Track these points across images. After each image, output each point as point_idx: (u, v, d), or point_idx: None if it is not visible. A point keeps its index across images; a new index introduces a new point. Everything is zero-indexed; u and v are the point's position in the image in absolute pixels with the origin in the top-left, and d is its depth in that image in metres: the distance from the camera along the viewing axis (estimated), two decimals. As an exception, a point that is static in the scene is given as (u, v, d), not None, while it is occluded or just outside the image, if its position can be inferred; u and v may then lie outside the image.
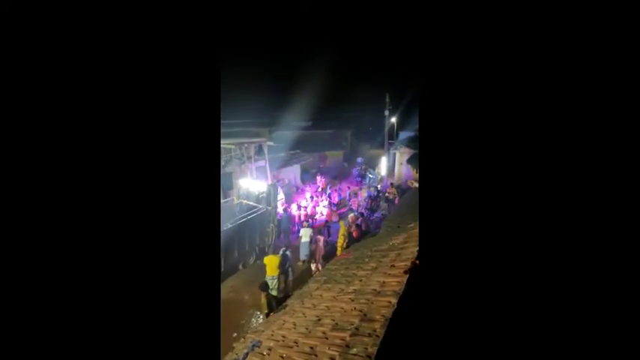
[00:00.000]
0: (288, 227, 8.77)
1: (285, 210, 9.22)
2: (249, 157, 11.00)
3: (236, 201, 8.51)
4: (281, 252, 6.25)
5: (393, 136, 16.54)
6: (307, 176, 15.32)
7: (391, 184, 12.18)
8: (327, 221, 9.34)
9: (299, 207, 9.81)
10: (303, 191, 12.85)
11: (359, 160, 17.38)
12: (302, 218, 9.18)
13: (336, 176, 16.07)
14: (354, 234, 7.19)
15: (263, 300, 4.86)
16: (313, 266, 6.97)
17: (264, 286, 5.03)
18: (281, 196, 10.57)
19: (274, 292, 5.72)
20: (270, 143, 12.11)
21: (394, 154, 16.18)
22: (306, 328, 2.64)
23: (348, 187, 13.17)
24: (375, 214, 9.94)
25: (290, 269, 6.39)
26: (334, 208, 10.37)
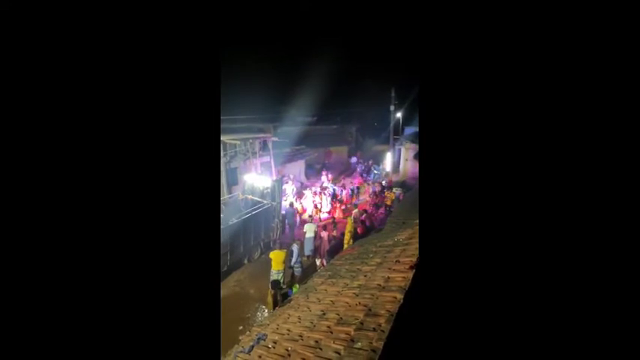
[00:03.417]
0: (293, 222, 8.81)
1: (290, 205, 9.27)
2: (254, 153, 11.02)
3: (241, 196, 8.56)
4: (292, 247, 6.30)
5: (398, 131, 16.40)
6: (312, 172, 15.32)
7: (389, 187, 11.64)
8: (333, 217, 9.35)
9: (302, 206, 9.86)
10: (307, 187, 12.87)
11: (353, 159, 17.16)
12: (304, 216, 9.21)
13: (341, 172, 16.04)
14: (359, 230, 7.21)
15: (269, 298, 4.88)
16: (318, 261, 7.00)
17: (275, 284, 5.04)
18: (290, 189, 10.59)
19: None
20: (275, 139, 12.10)
21: (399, 149, 16.07)
22: (311, 322, 2.66)
23: (351, 183, 13.12)
24: (380, 210, 9.92)
25: (298, 265, 6.40)
26: (340, 205, 10.36)
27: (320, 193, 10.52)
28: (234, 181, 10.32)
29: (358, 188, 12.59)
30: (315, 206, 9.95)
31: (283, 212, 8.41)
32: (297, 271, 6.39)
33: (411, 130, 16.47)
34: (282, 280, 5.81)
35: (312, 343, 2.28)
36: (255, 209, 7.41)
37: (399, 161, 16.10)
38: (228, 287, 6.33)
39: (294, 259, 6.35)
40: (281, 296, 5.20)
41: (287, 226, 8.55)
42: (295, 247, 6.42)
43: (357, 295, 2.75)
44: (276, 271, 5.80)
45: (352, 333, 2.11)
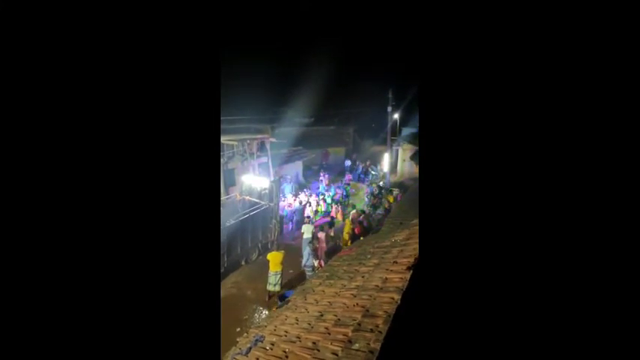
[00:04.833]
0: (301, 218, 8.86)
1: (300, 202, 9.33)
2: (252, 154, 11.00)
3: (238, 197, 8.54)
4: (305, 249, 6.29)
5: (395, 132, 16.44)
6: (309, 173, 15.33)
7: (390, 190, 11.51)
8: (332, 217, 9.35)
9: (309, 204, 9.90)
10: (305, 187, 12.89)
11: (347, 162, 17.12)
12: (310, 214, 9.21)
13: (339, 173, 16.06)
14: (356, 230, 7.22)
15: (275, 307, 4.92)
16: (316, 262, 6.99)
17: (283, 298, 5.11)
18: (288, 189, 10.64)
19: (277, 288, 5.76)
20: (273, 140, 12.09)
21: (397, 150, 16.12)
22: (309, 324, 2.66)
23: (347, 184, 13.14)
24: (377, 211, 9.93)
25: (310, 268, 6.31)
26: (339, 207, 10.38)
27: (315, 195, 10.57)
28: (231, 182, 10.30)
29: (348, 185, 12.64)
30: (308, 205, 9.99)
31: (289, 211, 8.44)
32: (309, 275, 6.31)
33: (409, 131, 16.53)
34: (280, 282, 5.80)
35: (310, 344, 2.28)
36: (252, 210, 7.40)
37: (396, 162, 16.14)
38: (225, 289, 6.31)
39: (304, 261, 6.33)
40: (279, 297, 5.21)
41: (293, 224, 8.56)
42: (307, 250, 6.39)
43: (355, 296, 2.75)
44: (273, 272, 5.79)
45: (350, 334, 2.10)
